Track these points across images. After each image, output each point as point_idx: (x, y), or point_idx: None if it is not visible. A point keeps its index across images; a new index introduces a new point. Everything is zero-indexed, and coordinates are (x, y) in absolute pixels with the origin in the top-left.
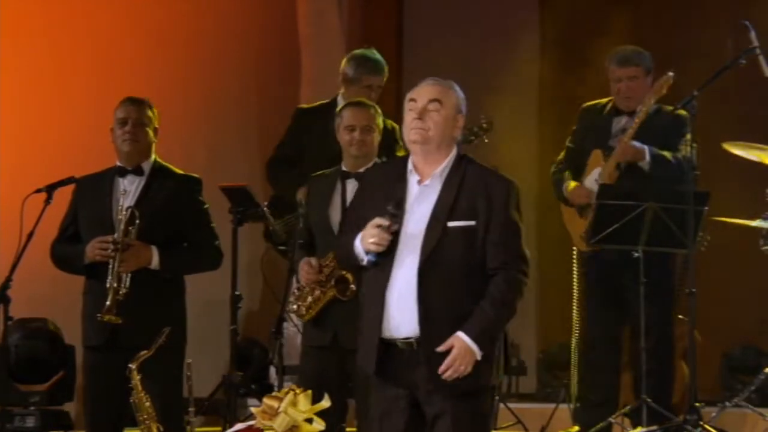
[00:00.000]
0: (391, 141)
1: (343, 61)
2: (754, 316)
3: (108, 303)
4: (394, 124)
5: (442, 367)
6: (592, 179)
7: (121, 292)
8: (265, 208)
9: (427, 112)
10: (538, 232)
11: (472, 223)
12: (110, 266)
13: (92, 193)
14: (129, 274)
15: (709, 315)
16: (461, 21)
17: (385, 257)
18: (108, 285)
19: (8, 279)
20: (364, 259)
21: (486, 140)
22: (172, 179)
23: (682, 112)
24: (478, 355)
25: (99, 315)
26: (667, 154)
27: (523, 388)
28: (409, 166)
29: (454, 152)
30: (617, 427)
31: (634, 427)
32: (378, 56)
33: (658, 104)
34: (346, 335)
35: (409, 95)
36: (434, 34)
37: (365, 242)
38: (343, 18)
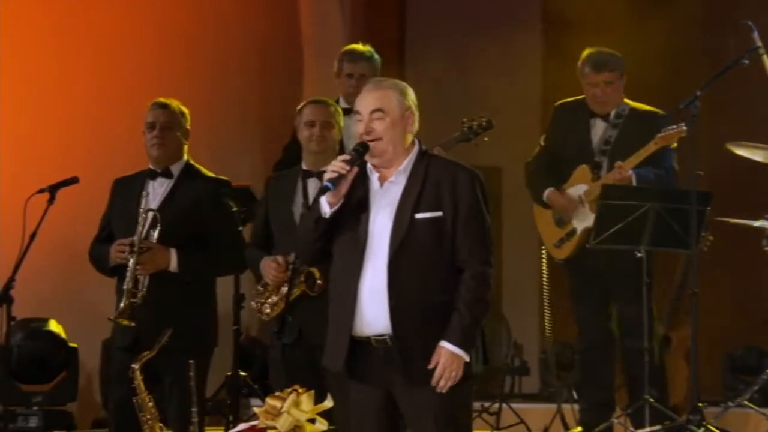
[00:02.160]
0: None
1: None
2: (756, 316)
3: (122, 306)
4: None
5: (434, 381)
6: (576, 194)
7: (139, 295)
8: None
9: (373, 122)
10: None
11: (439, 213)
12: (127, 269)
13: (124, 194)
14: (147, 277)
15: (711, 315)
16: (463, 20)
17: (338, 186)
18: (124, 287)
19: (11, 279)
20: (326, 211)
21: (486, 139)
22: (200, 181)
23: (660, 111)
24: (466, 357)
25: (112, 318)
26: (650, 174)
27: (525, 388)
28: (370, 169)
29: (415, 149)
30: (619, 427)
31: (637, 427)
32: (361, 48)
33: (632, 106)
34: (311, 331)
35: (354, 107)
36: (436, 33)
37: (325, 175)
38: (345, 17)
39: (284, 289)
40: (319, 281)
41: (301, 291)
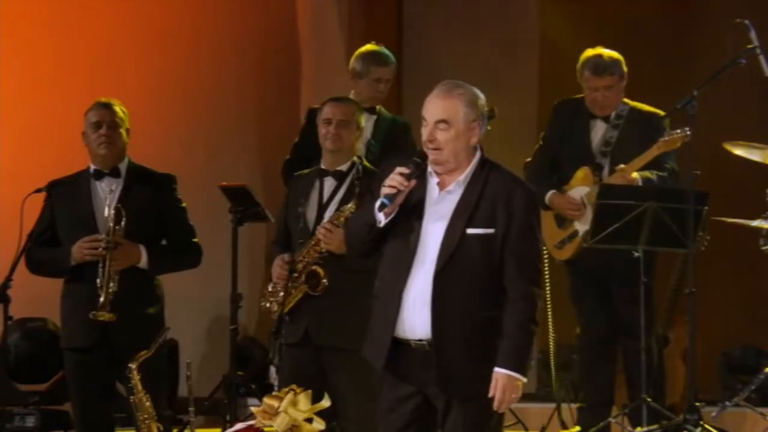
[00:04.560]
0: (402, 137)
1: (352, 59)
2: (754, 315)
3: (101, 301)
4: (406, 121)
5: (495, 406)
6: (578, 195)
7: (110, 291)
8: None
9: (437, 132)
10: None
11: (491, 231)
12: (101, 265)
13: (70, 196)
14: (117, 273)
15: (709, 314)
16: (461, 20)
17: (394, 200)
18: (99, 284)
19: (8, 279)
20: (381, 220)
21: (489, 128)
22: (150, 179)
23: (660, 112)
24: (523, 379)
25: (93, 313)
26: (654, 177)
27: (522, 387)
28: (429, 168)
29: (477, 157)
30: (616, 426)
31: (634, 426)
32: (385, 50)
33: (632, 106)
34: (317, 331)
35: (423, 108)
36: (434, 33)
37: (383, 189)
38: (342, 17)
39: (289, 288)
40: (324, 281)
41: (303, 292)
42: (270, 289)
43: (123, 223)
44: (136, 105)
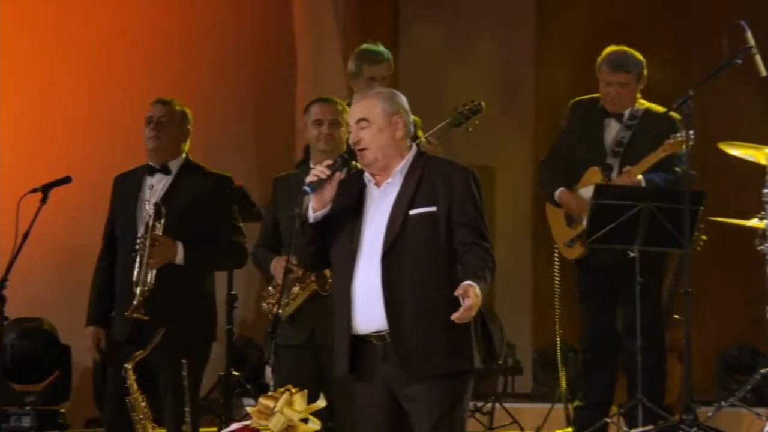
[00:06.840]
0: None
1: (349, 59)
2: (749, 315)
3: (135, 302)
4: (416, 118)
5: (462, 310)
6: (587, 195)
7: (146, 288)
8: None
9: (359, 132)
10: (534, 233)
11: (433, 209)
12: (138, 262)
13: (123, 190)
14: (154, 270)
15: (705, 315)
16: (457, 19)
17: (318, 190)
18: (135, 281)
19: (4, 279)
20: (310, 215)
21: (477, 122)
22: (201, 178)
23: (674, 114)
24: (478, 290)
25: (127, 312)
26: (660, 180)
27: (518, 387)
28: (367, 176)
29: (412, 151)
30: (613, 426)
31: (630, 426)
32: (380, 48)
33: (648, 106)
34: (322, 331)
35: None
36: (430, 32)
37: (306, 178)
38: (339, 16)
39: (295, 289)
40: (330, 280)
41: (312, 291)
42: (272, 290)
43: (163, 220)
44: (133, 106)
